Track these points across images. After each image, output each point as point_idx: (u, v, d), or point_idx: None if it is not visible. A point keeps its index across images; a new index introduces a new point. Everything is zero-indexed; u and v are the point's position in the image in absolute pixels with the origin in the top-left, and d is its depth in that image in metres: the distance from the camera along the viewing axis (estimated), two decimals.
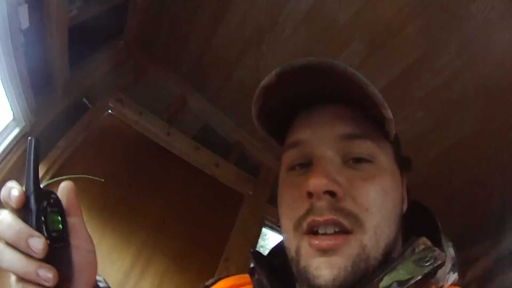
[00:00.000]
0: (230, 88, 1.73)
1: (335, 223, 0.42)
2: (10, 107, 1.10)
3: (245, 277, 0.57)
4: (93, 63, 1.47)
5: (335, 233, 0.42)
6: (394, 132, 0.47)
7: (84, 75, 1.44)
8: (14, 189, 0.37)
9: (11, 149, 1.10)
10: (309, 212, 0.43)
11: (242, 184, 1.78)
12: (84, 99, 1.46)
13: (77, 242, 0.40)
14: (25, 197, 0.37)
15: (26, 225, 0.36)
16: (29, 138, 0.39)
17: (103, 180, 1.14)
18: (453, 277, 0.46)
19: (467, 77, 1.29)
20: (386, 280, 0.41)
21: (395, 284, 0.41)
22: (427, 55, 1.28)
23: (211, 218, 1.64)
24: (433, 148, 1.53)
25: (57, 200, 0.39)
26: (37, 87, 1.14)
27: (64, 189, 0.41)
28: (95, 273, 0.43)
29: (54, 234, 0.37)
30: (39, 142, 0.39)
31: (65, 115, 1.36)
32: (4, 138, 1.09)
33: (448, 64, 1.28)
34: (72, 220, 0.40)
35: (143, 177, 1.55)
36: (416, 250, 0.43)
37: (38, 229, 0.36)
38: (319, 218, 0.42)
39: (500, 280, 1.49)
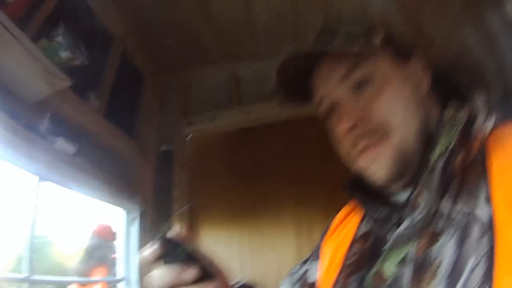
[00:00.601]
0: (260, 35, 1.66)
1: (369, 145, 0.54)
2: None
3: (353, 202, 0.67)
4: (142, 115, 1.56)
5: (373, 146, 0.53)
6: (379, 40, 0.55)
7: (144, 131, 1.54)
8: (148, 251, 0.49)
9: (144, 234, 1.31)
10: (352, 144, 0.55)
11: None
12: (161, 147, 1.59)
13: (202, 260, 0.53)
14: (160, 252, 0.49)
15: (173, 268, 0.48)
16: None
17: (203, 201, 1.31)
18: (492, 121, 0.51)
19: None
20: (434, 155, 0.50)
21: (441, 157, 0.49)
22: None
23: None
24: None
25: (175, 240, 0.51)
26: (121, 179, 1.29)
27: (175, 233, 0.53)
28: (226, 276, 0.56)
29: (188, 259, 0.50)
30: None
31: (161, 173, 1.51)
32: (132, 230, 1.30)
33: None
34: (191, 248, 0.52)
35: (256, 164, 1.63)
36: (447, 118, 0.52)
37: (182, 263, 0.49)
38: (358, 148, 0.54)
39: None
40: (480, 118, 0.52)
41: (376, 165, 0.54)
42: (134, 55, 1.48)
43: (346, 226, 0.68)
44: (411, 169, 0.53)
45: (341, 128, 0.55)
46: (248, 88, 1.74)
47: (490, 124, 0.52)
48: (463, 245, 0.44)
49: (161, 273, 0.49)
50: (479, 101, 0.53)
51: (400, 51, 0.59)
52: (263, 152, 1.66)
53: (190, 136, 1.65)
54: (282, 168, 1.63)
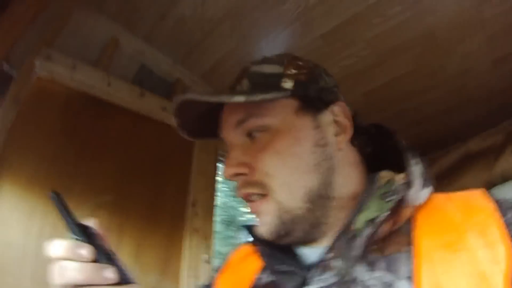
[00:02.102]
0: (167, 25, 1.56)
1: (250, 194, 0.52)
2: None
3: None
4: (7, 21, 1.17)
5: (257, 198, 0.52)
6: (291, 84, 0.53)
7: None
8: (62, 244, 0.43)
9: None
10: (236, 188, 0.54)
11: None
12: (5, 64, 1.20)
13: None
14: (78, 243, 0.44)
15: (95, 264, 0.43)
16: (51, 194, 0.45)
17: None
18: (427, 191, 0.50)
19: (412, 27, 1.44)
20: (359, 221, 0.47)
21: (366, 224, 0.46)
22: (380, 3, 1.35)
23: (168, 165, 1.63)
24: (372, 82, 1.72)
25: (95, 230, 0.47)
26: None
27: (92, 223, 0.48)
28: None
29: (111, 255, 0.46)
30: (59, 194, 0.45)
31: None
32: None
33: (398, 14, 1.38)
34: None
35: (92, 140, 1.41)
36: (379, 185, 0.49)
37: (103, 258, 0.45)
38: (239, 194, 0.54)
39: None
40: (416, 186, 0.49)
41: (261, 220, 0.52)
42: None
43: (244, 268, 0.64)
44: (307, 228, 0.51)
45: (224, 172, 0.53)
46: (120, 62, 1.57)
47: (425, 194, 0.49)
48: None
49: (57, 244, 0.43)
50: (416, 168, 0.50)
51: (315, 97, 0.55)
52: (105, 132, 1.47)
53: (37, 73, 1.30)
54: (116, 161, 1.46)
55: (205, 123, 0.60)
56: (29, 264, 1.15)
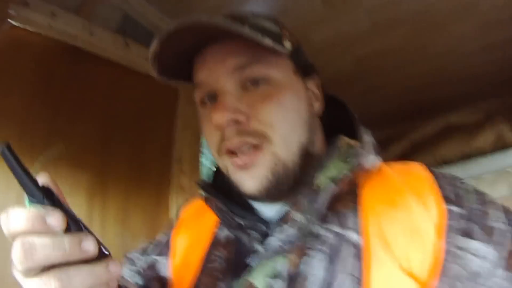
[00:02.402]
0: None
1: (244, 144, 0.50)
2: None
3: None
4: None
5: (249, 150, 0.50)
6: (290, 47, 0.54)
7: None
8: (21, 213, 0.33)
9: None
10: (222, 139, 0.51)
11: None
12: None
13: None
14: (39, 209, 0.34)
15: (70, 235, 0.34)
16: (0, 148, 0.34)
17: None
18: (376, 159, 0.55)
19: (411, 1, 1.42)
20: (321, 179, 0.49)
21: (328, 181, 0.49)
22: None
23: (152, 120, 1.57)
24: (364, 50, 1.70)
25: (55, 189, 0.37)
26: None
27: (48, 181, 0.37)
28: None
29: (79, 220, 0.37)
30: (10, 146, 0.34)
31: None
32: None
33: None
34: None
35: (70, 94, 1.32)
36: (340, 147, 0.53)
37: (74, 226, 0.35)
38: (230, 144, 0.50)
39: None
40: (368, 153, 0.54)
41: (251, 174, 0.50)
42: None
43: (201, 224, 0.63)
44: (291, 183, 0.51)
45: (217, 117, 0.49)
46: (103, 10, 1.45)
47: (374, 161, 0.54)
48: (334, 263, 0.45)
49: (17, 215, 0.33)
50: (368, 138, 0.56)
51: (303, 65, 0.58)
52: (87, 86, 1.39)
53: (10, 22, 1.18)
54: (97, 117, 1.38)
55: (177, 64, 0.56)
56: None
